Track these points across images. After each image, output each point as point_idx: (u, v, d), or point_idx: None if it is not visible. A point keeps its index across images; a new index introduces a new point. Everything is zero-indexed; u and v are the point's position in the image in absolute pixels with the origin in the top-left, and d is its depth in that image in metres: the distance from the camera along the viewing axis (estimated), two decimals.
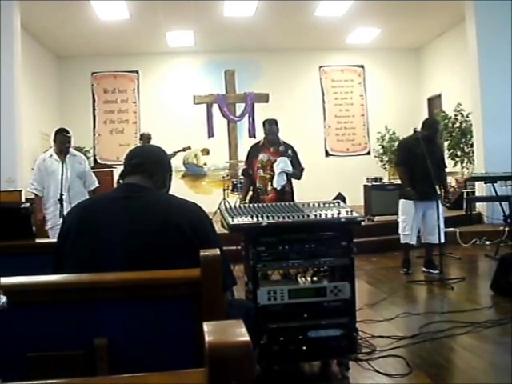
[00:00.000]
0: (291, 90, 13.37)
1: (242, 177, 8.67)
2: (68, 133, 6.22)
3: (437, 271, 6.43)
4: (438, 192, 6.27)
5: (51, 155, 6.24)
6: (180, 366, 1.00)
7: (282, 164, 5.97)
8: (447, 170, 7.13)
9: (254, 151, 6.22)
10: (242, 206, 3.82)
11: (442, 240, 6.37)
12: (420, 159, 6.25)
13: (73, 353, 1.61)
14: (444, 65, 12.76)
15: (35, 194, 6.25)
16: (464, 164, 11.11)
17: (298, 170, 6.14)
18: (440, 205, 6.36)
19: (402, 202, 6.70)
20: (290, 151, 6.10)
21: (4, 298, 1.40)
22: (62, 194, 5.94)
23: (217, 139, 12.92)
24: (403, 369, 3.55)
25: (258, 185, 6.13)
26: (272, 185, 6.03)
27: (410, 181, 6.51)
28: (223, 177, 11.23)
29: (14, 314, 1.60)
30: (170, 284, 1.73)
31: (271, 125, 6.11)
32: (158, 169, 2.37)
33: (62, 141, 6.18)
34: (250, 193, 6.31)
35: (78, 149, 8.71)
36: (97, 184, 6.47)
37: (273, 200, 5.73)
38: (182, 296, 1.71)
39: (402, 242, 6.69)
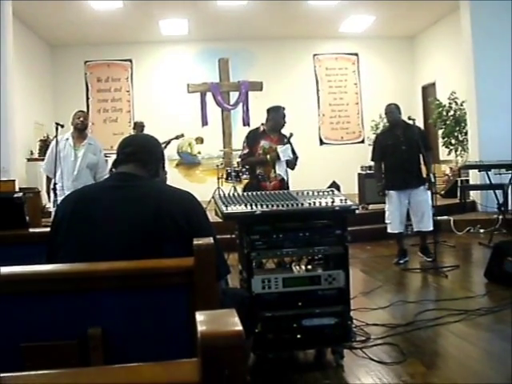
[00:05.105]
0: (285, 78, 13.30)
1: (239, 166, 8.63)
2: (84, 112, 6.32)
3: (430, 259, 6.48)
4: (421, 177, 6.44)
5: (67, 138, 6.14)
6: (174, 356, 0.99)
7: (288, 151, 5.88)
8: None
9: (253, 137, 6.01)
10: (235, 194, 3.81)
11: (431, 227, 6.43)
12: (392, 150, 6.44)
13: (66, 343, 1.60)
14: (438, 53, 12.73)
15: (47, 176, 6.27)
16: (458, 152, 11.11)
17: (293, 159, 6.09)
18: (427, 191, 6.42)
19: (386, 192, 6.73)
20: (285, 140, 6.04)
21: None
22: (55, 183, 5.90)
23: (211, 128, 12.95)
24: (398, 356, 3.57)
25: (258, 171, 6.00)
26: (275, 172, 5.94)
27: (382, 174, 6.71)
28: (217, 165, 11.22)
29: (7, 304, 1.59)
30: (163, 273, 1.72)
31: (284, 109, 6.00)
32: (151, 158, 2.36)
33: (75, 116, 6.17)
34: (246, 181, 6.23)
35: None
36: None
37: (276, 187, 5.63)
38: (175, 285, 1.70)
39: (387, 231, 6.76)
